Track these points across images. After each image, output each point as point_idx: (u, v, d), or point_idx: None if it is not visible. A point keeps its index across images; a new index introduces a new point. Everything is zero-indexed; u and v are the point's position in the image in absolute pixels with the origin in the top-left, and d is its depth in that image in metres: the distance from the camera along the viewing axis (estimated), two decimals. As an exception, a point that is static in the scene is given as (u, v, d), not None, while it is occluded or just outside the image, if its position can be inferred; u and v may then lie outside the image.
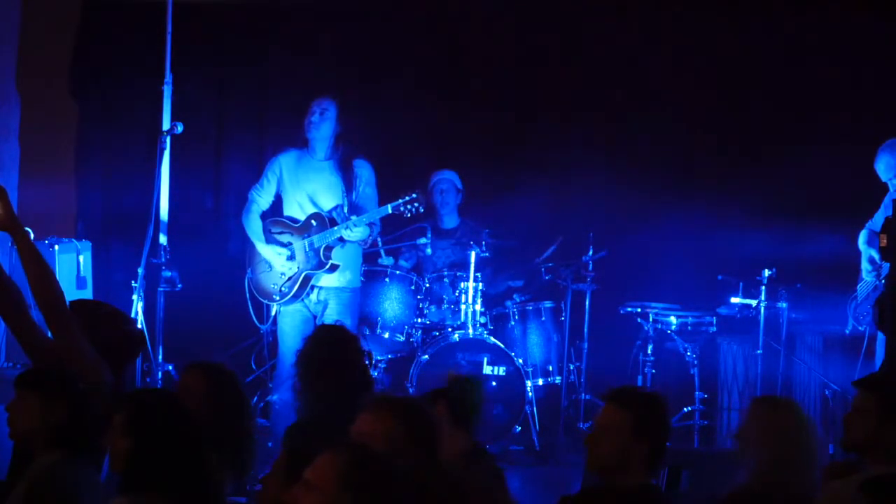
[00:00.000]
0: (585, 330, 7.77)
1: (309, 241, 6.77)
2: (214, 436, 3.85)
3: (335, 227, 6.72)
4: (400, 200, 6.71)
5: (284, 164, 6.95)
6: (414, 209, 6.71)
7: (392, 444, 3.36)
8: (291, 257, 6.80)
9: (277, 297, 6.84)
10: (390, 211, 6.73)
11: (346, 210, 6.76)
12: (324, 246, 6.74)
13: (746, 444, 3.95)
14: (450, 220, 8.03)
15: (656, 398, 3.88)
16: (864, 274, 6.75)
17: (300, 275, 6.78)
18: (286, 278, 6.81)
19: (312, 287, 6.82)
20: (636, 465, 3.72)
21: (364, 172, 6.89)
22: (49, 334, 3.99)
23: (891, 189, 6.70)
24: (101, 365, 3.98)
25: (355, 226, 6.70)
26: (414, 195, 6.69)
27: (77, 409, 3.72)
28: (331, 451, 2.96)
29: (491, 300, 7.84)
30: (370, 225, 6.80)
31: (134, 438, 3.38)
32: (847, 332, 6.89)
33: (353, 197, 6.80)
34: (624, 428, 3.69)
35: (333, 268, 6.77)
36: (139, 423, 3.41)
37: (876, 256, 6.65)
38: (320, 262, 6.75)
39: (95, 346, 4.00)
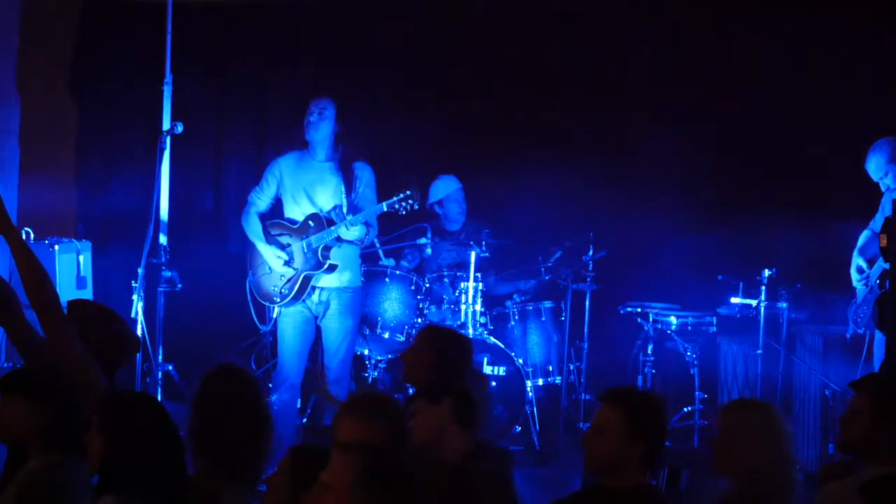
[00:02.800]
0: (585, 330, 7.76)
1: (307, 241, 6.76)
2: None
3: (332, 227, 6.70)
4: (395, 198, 6.66)
5: (284, 166, 6.92)
6: (408, 206, 6.67)
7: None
8: (289, 262, 6.78)
9: (278, 299, 6.82)
10: (385, 209, 6.71)
11: (344, 210, 6.74)
12: (322, 246, 6.73)
13: (722, 450, 3.84)
14: (456, 223, 8.03)
15: (652, 398, 3.87)
16: (854, 282, 6.74)
17: (299, 276, 6.76)
18: (285, 280, 6.79)
19: (313, 288, 6.80)
20: (633, 466, 3.71)
21: (364, 174, 6.86)
22: (42, 334, 3.98)
23: (882, 189, 6.69)
24: (94, 366, 3.97)
25: (352, 224, 6.68)
26: (408, 192, 6.66)
27: (65, 410, 3.71)
28: (346, 451, 2.96)
29: (492, 300, 7.83)
30: (367, 225, 6.77)
31: (107, 438, 3.39)
32: (848, 336, 6.87)
33: (353, 198, 6.78)
34: (619, 428, 3.67)
35: (332, 268, 6.75)
36: (113, 423, 3.41)
37: (864, 265, 6.63)
38: (318, 262, 6.73)
39: (87, 347, 3.99)
